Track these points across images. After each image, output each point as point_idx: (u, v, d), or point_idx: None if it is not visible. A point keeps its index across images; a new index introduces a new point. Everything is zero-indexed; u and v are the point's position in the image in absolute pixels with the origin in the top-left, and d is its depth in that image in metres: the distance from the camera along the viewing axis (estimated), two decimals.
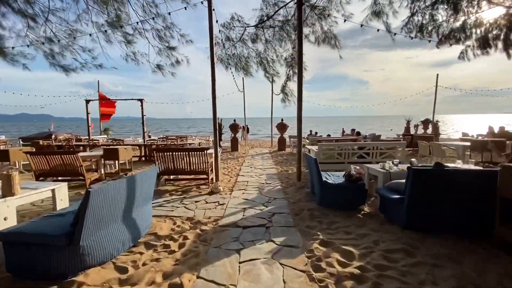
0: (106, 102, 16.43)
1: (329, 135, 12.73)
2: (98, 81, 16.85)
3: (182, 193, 5.38)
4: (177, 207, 4.45)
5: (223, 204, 4.58)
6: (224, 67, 10.84)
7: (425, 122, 17.84)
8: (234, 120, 13.64)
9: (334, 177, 4.68)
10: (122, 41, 8.32)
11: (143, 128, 10.76)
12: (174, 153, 5.65)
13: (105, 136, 15.49)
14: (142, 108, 10.72)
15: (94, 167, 6.85)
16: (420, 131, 18.28)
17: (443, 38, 9.99)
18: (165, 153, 5.64)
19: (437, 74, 16.81)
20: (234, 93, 16.11)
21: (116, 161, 7.60)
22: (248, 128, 28.46)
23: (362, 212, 4.04)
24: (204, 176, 5.81)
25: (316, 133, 18.12)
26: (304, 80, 11.50)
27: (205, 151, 5.58)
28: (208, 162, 5.66)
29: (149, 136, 16.22)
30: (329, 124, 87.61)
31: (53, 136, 14.43)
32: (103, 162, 6.71)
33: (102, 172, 6.69)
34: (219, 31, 9.76)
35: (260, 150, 13.39)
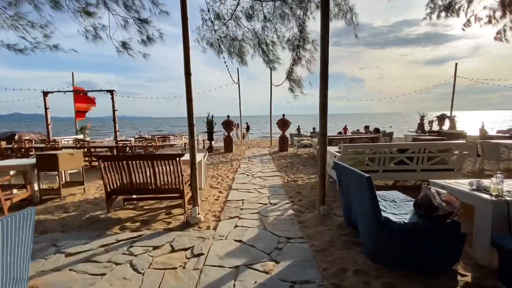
0: (81, 96, 14.44)
1: (340, 133, 10.81)
2: (73, 73, 14.82)
3: (141, 225, 3.42)
4: (117, 264, 2.48)
5: (199, 254, 2.62)
6: (216, 53, 8.93)
7: (441, 118, 16.03)
8: (228, 117, 11.67)
9: (387, 203, 2.78)
10: (78, 11, 6.38)
11: (115, 126, 8.75)
12: (131, 162, 3.69)
13: (81, 136, 13.43)
14: (113, 102, 8.71)
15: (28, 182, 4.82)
16: (435, 127, 16.50)
17: (474, 18, 8.14)
18: (117, 163, 3.67)
19: (456, 63, 14.99)
20: (230, 88, 14.15)
21: (63, 171, 5.62)
22: (248, 126, 26.03)
23: (459, 277, 2.14)
24: (178, 195, 3.86)
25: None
26: (298, 78, 9.63)
27: (177, 159, 3.62)
28: (182, 175, 3.71)
29: (125, 136, 14.23)
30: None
31: (16, 137, 12.35)
32: (36, 174, 4.70)
33: (36, 188, 4.69)
34: (207, 3, 7.83)
35: (258, 151, 11.46)
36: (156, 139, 9.00)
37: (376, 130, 8.95)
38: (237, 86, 13.87)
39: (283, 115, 11.52)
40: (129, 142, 8.47)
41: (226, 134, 11.61)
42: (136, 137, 11.96)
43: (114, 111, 8.75)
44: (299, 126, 25.61)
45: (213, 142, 12.28)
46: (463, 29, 8.39)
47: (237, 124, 13.96)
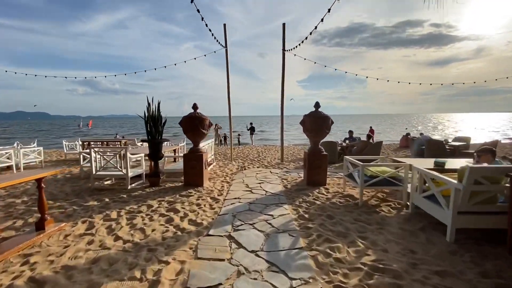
0: None
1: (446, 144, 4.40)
2: None
3: None
4: None
5: None
6: None
7: None
8: (195, 108, 5.35)
9: None
10: None
11: None
12: None
13: None
14: None
15: None
16: None
17: None
18: None
19: None
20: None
21: None
22: (253, 127, 18.77)
23: None
24: None
25: (370, 136, 9.87)
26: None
27: None
28: None
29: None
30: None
31: None
32: None
33: None
34: None
35: (259, 182, 5.18)
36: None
37: None
38: (223, 47, 7.59)
39: (317, 104, 5.22)
40: None
41: (192, 145, 5.35)
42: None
43: None
44: None
45: (159, 164, 6.00)
46: None
47: (216, 124, 7.61)
